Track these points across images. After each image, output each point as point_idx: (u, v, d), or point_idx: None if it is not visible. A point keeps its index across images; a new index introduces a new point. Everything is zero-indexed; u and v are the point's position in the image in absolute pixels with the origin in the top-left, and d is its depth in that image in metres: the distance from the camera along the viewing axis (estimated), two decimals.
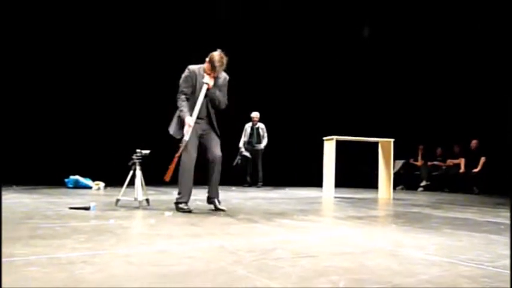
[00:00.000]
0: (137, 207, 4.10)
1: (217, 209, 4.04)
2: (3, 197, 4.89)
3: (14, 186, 6.59)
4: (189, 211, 3.88)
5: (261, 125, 9.20)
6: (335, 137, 6.85)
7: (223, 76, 4.14)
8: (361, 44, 10.98)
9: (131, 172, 4.29)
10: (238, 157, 8.93)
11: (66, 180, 7.02)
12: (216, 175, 4.06)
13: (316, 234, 2.96)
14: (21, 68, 8.15)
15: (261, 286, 1.59)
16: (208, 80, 3.99)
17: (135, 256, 2.05)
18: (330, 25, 10.61)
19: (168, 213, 3.74)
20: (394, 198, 6.75)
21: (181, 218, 3.55)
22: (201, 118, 4.05)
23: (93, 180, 7.10)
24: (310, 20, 10.50)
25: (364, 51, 10.92)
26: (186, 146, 3.93)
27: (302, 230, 3.09)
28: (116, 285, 1.56)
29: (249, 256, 2.08)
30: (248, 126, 9.16)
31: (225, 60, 3.98)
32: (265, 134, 9.19)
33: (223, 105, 4.13)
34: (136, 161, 4.29)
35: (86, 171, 7.22)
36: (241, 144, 9.05)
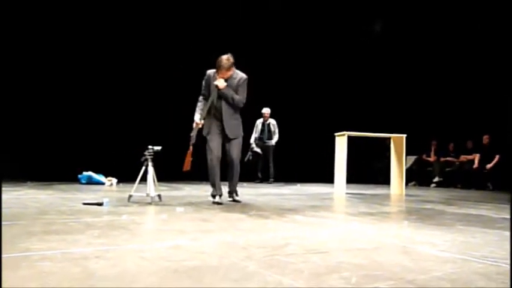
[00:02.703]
0: (149, 203, 4.13)
1: (234, 200, 4.53)
2: (19, 193, 4.97)
3: (29, 182, 6.68)
4: (219, 203, 4.25)
5: (272, 121, 9.18)
6: (347, 133, 6.82)
7: (239, 76, 4.37)
8: (373, 39, 10.90)
9: (143, 168, 4.32)
10: (250, 153, 8.93)
11: (79, 176, 7.09)
12: (233, 174, 4.45)
13: (328, 230, 2.95)
14: (35, 65, 8.23)
15: (272, 282, 1.59)
16: (217, 82, 4.26)
17: (148, 251, 2.06)
18: (341, 20, 10.54)
19: (179, 209, 3.77)
20: (406, 195, 6.70)
21: (193, 213, 3.56)
22: (217, 118, 4.35)
23: (106, 176, 7.16)
24: (322, 15, 10.44)
25: (376, 47, 10.84)
26: (209, 145, 4.31)
27: (314, 226, 3.08)
28: (129, 280, 1.57)
29: (261, 252, 2.08)
30: (259, 122, 9.16)
31: (229, 62, 4.24)
32: (277, 130, 9.17)
33: (238, 104, 4.36)
34: (149, 157, 4.32)
35: (98, 167, 7.28)
36: (252, 140, 9.05)
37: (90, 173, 7.08)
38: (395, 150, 7.12)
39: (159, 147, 4.36)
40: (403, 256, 2.09)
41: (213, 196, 4.34)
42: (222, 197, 4.37)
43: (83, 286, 1.48)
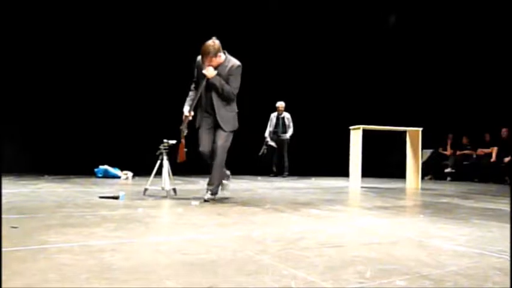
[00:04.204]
0: (165, 197, 4.16)
1: (204, 200, 3.90)
2: (36, 187, 5.05)
3: (46, 176, 6.78)
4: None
5: (286, 115, 9.16)
6: (362, 126, 6.77)
7: (231, 64, 3.92)
8: (388, 32, 10.77)
9: (158, 162, 4.35)
10: (264, 147, 8.93)
11: (95, 170, 7.18)
12: (215, 166, 3.93)
13: (343, 224, 2.94)
14: (53, 60, 8.33)
15: (287, 275, 1.59)
16: (205, 71, 3.86)
17: (163, 244, 2.08)
18: (356, 13, 10.44)
19: (194, 203, 3.78)
20: (422, 188, 6.64)
21: (208, 207, 3.58)
22: (208, 112, 3.98)
23: (122, 170, 7.24)
24: (336, 8, 10.35)
25: (391, 39, 10.72)
26: (199, 142, 3.98)
27: (329, 220, 3.07)
28: (144, 272, 1.59)
29: (276, 245, 2.09)
30: (274, 116, 9.15)
31: (215, 46, 3.81)
32: (291, 124, 9.15)
33: (229, 94, 3.91)
34: (164, 151, 4.34)
35: (114, 161, 7.36)
36: (266, 134, 9.05)
37: (106, 166, 7.16)
38: (411, 144, 7.06)
39: (174, 141, 4.38)
40: (419, 250, 2.07)
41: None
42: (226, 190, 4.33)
43: (100, 278, 1.50)
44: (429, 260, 1.87)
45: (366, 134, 6.84)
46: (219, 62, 3.89)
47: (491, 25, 9.38)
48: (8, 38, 7.34)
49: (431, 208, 3.98)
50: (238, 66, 3.94)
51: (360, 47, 10.64)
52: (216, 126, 3.95)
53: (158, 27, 8.94)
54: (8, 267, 1.55)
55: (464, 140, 9.99)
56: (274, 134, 9.08)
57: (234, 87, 3.92)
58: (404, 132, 7.20)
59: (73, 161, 7.91)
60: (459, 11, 9.78)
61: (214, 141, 3.94)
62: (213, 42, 3.83)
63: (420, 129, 6.97)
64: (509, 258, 1.93)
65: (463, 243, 2.27)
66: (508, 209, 4.01)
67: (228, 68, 3.90)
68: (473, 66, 9.89)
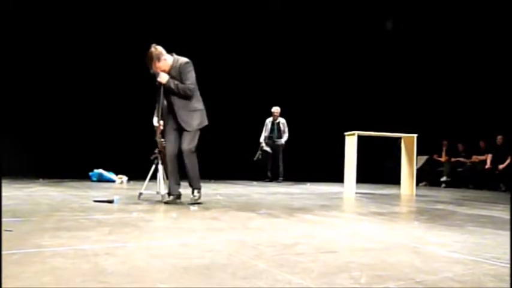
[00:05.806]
0: (159, 201, 4.15)
1: (192, 203, 3.98)
2: (31, 190, 5.03)
3: (41, 180, 6.75)
4: (166, 202, 4.01)
5: (281, 120, 9.17)
6: (357, 132, 6.79)
7: (179, 62, 3.99)
8: (384, 38, 10.84)
9: (153, 166, 4.35)
10: (259, 152, 8.92)
11: (90, 173, 7.15)
12: (187, 168, 4.02)
13: (338, 229, 2.95)
14: (48, 64, 8.31)
15: (282, 281, 1.59)
16: (159, 78, 3.98)
17: (158, 249, 2.08)
18: (352, 19, 10.50)
19: (193, 208, 3.77)
20: (417, 195, 6.66)
21: (203, 212, 3.57)
22: (173, 114, 4.03)
23: (117, 174, 7.21)
24: (332, 14, 10.41)
25: (387, 45, 10.78)
26: (166, 142, 4.08)
27: (323, 226, 3.07)
28: (138, 276, 1.59)
29: (270, 251, 2.09)
30: (269, 121, 9.15)
31: (157, 50, 3.93)
32: (286, 129, 9.16)
33: (185, 91, 3.96)
34: (159, 155, 4.34)
35: (109, 165, 7.34)
36: (262, 139, 9.04)
37: (100, 170, 7.13)
38: (406, 150, 7.08)
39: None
40: (414, 256, 2.08)
41: (168, 195, 4.12)
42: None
43: (94, 282, 1.49)
44: (423, 267, 1.88)
45: (360, 139, 6.85)
46: (167, 65, 3.99)
47: (486, 32, 9.45)
48: (4, 44, 7.32)
49: (426, 214, 3.99)
50: (186, 62, 4.00)
51: (355, 53, 10.69)
52: (179, 128, 4.02)
53: (150, 31, 8.93)
54: (2, 270, 1.54)
55: (460, 147, 10.03)
56: (269, 139, 9.08)
57: (188, 82, 3.96)
58: (399, 138, 7.23)
59: (68, 165, 7.88)
60: (454, 17, 9.86)
61: (180, 144, 4.00)
62: (154, 48, 3.94)
63: (415, 135, 6.99)
64: (503, 265, 1.94)
65: (457, 249, 2.28)
66: (502, 216, 4.03)
67: (176, 69, 3.98)
68: (469, 74, 9.96)
